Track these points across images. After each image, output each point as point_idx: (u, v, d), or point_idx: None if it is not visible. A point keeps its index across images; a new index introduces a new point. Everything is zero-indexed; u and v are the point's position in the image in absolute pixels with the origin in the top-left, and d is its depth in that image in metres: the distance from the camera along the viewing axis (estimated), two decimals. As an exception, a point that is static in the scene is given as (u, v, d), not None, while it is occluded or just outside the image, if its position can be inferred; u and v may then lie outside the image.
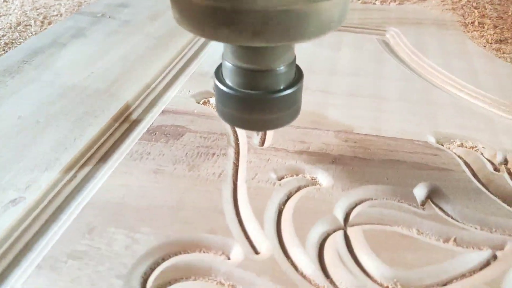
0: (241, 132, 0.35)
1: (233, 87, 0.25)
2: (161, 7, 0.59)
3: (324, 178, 0.31)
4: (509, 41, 0.50)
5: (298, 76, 0.27)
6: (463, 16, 0.57)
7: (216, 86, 0.26)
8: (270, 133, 0.35)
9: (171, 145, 0.33)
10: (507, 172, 0.31)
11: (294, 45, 0.25)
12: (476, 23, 0.55)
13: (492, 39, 0.51)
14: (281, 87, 0.25)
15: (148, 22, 0.54)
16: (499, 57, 0.48)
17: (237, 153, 0.33)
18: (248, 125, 0.27)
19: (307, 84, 0.37)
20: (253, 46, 0.23)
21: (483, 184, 0.30)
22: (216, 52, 0.47)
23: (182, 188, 0.29)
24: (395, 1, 0.62)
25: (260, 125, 0.27)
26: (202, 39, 0.51)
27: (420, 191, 0.29)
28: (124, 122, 0.36)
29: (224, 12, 0.19)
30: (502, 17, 0.56)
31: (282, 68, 0.25)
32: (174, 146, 0.33)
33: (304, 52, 0.47)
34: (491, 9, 0.59)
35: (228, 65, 0.25)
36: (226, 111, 0.27)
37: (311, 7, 0.19)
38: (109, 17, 0.57)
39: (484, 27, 0.54)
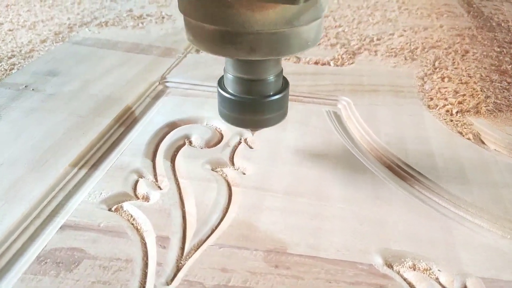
0: (152, 256, 0.29)
1: (233, 93, 0.33)
2: (93, 75, 0.53)
3: (243, 328, 0.24)
4: (471, 111, 0.46)
5: (285, 84, 0.34)
6: (423, 80, 0.53)
7: (219, 93, 0.33)
8: (188, 263, 0.29)
9: (60, 281, 0.27)
10: (467, 307, 0.26)
11: (281, 59, 0.32)
12: (436, 88, 0.50)
13: (453, 109, 0.46)
14: (271, 93, 0.32)
15: (75, 95, 0.48)
16: (460, 132, 0.43)
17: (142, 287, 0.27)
18: (245, 124, 0.34)
19: (242, 182, 0.36)
20: (249, 60, 0.30)
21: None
22: (142, 136, 0.41)
23: None
24: (349, 60, 0.57)
25: (254, 124, 0.34)
26: (130, 119, 0.45)
27: None
28: (15, 241, 0.30)
29: (230, 34, 0.27)
30: (463, 81, 0.51)
31: (271, 78, 0.32)
32: (64, 281, 0.27)
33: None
34: (452, 68, 0.54)
35: (229, 76, 0.32)
36: (227, 113, 0.34)
37: (293, 30, 0.27)
38: (33, 89, 0.51)
39: (444, 94, 0.49)
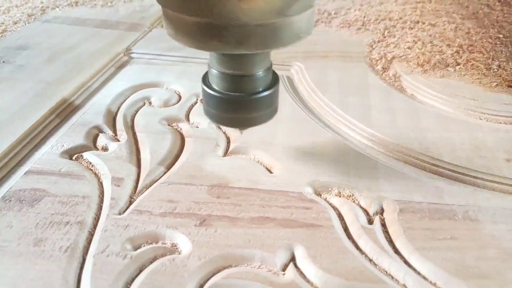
0: (107, 193, 0.32)
1: (219, 90, 0.30)
2: (61, 48, 0.56)
3: (184, 244, 0.28)
4: (414, 71, 0.50)
5: (274, 80, 0.31)
6: (371, 47, 0.57)
7: (203, 90, 0.31)
8: (139, 197, 0.32)
9: (23, 214, 0.30)
10: (381, 223, 0.30)
11: (270, 53, 0.30)
12: (381, 53, 0.54)
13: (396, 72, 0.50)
14: (260, 89, 0.30)
15: (43, 66, 0.51)
16: (398, 88, 0.47)
17: (97, 219, 0.30)
18: (233, 124, 0.32)
19: (195, 133, 0.39)
20: (236, 54, 0.28)
21: (352, 241, 0.28)
22: (105, 99, 0.44)
23: (20, 269, 0.26)
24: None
25: (243, 123, 0.32)
26: (95, 85, 0.48)
27: (283, 254, 0.27)
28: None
29: (214, 27, 0.24)
30: (407, 47, 0.55)
31: (260, 73, 0.29)
32: (26, 215, 0.30)
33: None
34: (398, 36, 0.58)
35: (214, 72, 0.30)
36: (213, 112, 0.31)
37: (283, 21, 0.25)
38: (3, 62, 0.53)
39: (388, 59, 0.53)
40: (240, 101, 0.30)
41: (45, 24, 0.65)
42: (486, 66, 0.50)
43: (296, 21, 0.26)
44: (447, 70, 0.49)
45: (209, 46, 0.26)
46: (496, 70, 0.49)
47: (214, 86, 0.30)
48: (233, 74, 0.29)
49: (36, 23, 0.65)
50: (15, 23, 0.68)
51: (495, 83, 0.47)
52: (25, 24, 0.67)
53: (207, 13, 0.24)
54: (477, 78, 0.48)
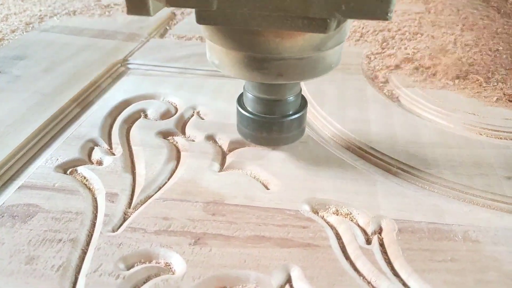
0: (101, 209, 0.32)
1: (253, 112, 0.34)
2: (58, 58, 0.55)
3: (178, 264, 0.28)
4: (413, 83, 0.49)
5: (303, 103, 0.35)
6: (369, 58, 0.56)
7: (238, 111, 0.34)
8: (134, 214, 0.32)
9: (15, 231, 0.30)
10: (379, 243, 0.29)
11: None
12: (380, 65, 0.54)
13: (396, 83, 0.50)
14: (291, 112, 0.34)
15: (40, 76, 0.51)
16: (397, 102, 0.47)
17: (90, 236, 0.30)
18: (265, 142, 0.36)
19: (191, 148, 0.38)
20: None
21: (350, 262, 0.28)
22: (101, 111, 0.44)
23: (10, 289, 0.25)
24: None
25: (274, 142, 0.36)
26: (91, 96, 0.47)
27: (279, 275, 0.27)
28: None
29: (257, 60, 0.27)
30: (405, 58, 0.55)
31: (291, 98, 0.33)
32: (19, 231, 0.30)
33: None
34: (397, 48, 0.58)
35: (249, 95, 0.33)
36: (248, 132, 0.35)
37: (319, 55, 0.28)
38: (0, 72, 0.53)
39: (386, 71, 0.53)
40: (273, 123, 0.33)
41: (43, 33, 0.65)
42: (486, 79, 0.49)
43: (329, 55, 0.29)
44: (447, 83, 0.49)
45: (251, 77, 0.29)
46: (495, 84, 0.49)
47: (249, 108, 0.34)
48: (268, 99, 0.32)
49: (33, 33, 0.65)
50: (13, 32, 0.68)
51: (495, 97, 0.46)
52: (23, 32, 0.66)
53: (253, 48, 0.26)
54: (477, 92, 0.48)
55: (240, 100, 0.35)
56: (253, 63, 0.27)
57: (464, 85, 0.49)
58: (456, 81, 0.49)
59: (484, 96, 0.47)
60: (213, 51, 0.29)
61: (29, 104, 0.45)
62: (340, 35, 0.28)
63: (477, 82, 0.49)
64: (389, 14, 0.21)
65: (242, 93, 0.34)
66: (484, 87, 0.48)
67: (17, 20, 0.72)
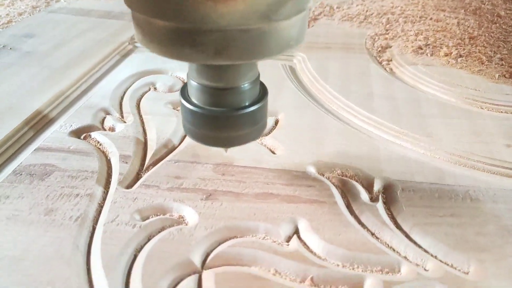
0: (115, 169, 0.33)
1: (199, 105, 0.26)
2: (67, 36, 0.56)
3: (191, 216, 0.29)
4: (417, 61, 0.51)
5: (262, 93, 0.27)
6: (373, 39, 0.57)
7: (182, 104, 0.27)
8: (147, 173, 0.34)
9: (34, 187, 0.31)
10: (383, 201, 0.30)
11: (257, 63, 0.26)
12: (384, 45, 0.55)
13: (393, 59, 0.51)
14: (246, 104, 0.26)
15: (49, 53, 0.52)
16: (400, 78, 0.48)
17: (105, 192, 0.31)
18: (216, 143, 0.27)
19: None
20: (216, 65, 0.23)
21: (355, 216, 0.29)
22: (111, 84, 0.45)
23: (32, 236, 0.27)
24: (309, 24, 0.62)
25: (227, 142, 0.27)
26: (101, 71, 0.49)
27: (287, 226, 0.28)
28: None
29: (186, 32, 0.20)
30: (406, 39, 0.56)
31: (246, 85, 0.25)
32: (37, 187, 0.31)
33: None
34: (400, 29, 0.59)
35: (193, 83, 0.25)
36: (193, 129, 0.27)
37: (271, 26, 0.20)
38: (10, 48, 0.54)
39: (390, 50, 0.54)
40: (224, 118, 0.26)
41: (50, 14, 0.66)
42: (488, 58, 0.51)
43: (285, 27, 0.21)
44: (449, 61, 0.50)
45: (182, 55, 0.21)
46: (498, 62, 0.50)
47: (194, 100, 0.26)
48: (215, 87, 0.25)
49: (41, 14, 0.66)
50: (20, 15, 0.69)
51: (497, 75, 0.48)
52: (30, 15, 0.67)
53: (179, 16, 0.19)
54: (479, 70, 0.49)
55: (184, 91, 0.27)
56: (182, 37, 0.20)
57: (466, 64, 0.50)
58: (459, 59, 0.50)
59: (486, 73, 0.48)
60: (135, 23, 0.22)
61: (40, 77, 0.46)
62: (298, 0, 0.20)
63: (479, 60, 0.50)
64: None
65: (186, 81, 0.27)
66: (486, 65, 0.49)
67: (24, 4, 0.73)
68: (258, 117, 0.27)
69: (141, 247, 0.27)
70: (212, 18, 0.19)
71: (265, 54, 0.21)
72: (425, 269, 0.26)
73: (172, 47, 0.21)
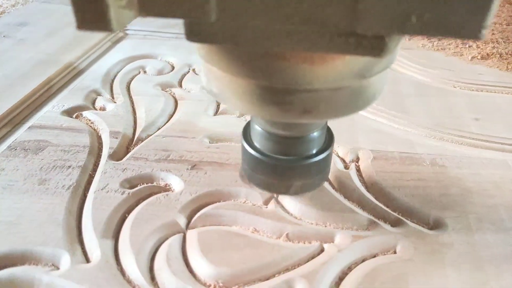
0: (106, 143, 0.35)
1: (263, 151, 0.25)
2: (60, 24, 0.58)
3: (177, 184, 0.31)
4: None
5: (329, 139, 0.26)
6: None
7: (244, 149, 0.25)
8: (136, 147, 0.35)
9: (28, 160, 0.33)
10: (356, 169, 0.33)
11: None
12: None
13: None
14: (313, 152, 0.25)
15: (43, 39, 0.54)
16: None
17: (96, 164, 0.33)
18: (278, 189, 0.27)
19: (187, 96, 0.41)
20: None
21: (329, 182, 0.31)
22: (102, 68, 0.47)
23: (26, 203, 0.29)
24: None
25: (289, 190, 0.26)
26: (92, 56, 0.50)
27: (266, 192, 0.30)
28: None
29: (276, 92, 0.19)
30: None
31: (315, 133, 0.24)
32: (31, 161, 0.33)
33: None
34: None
35: (258, 129, 0.24)
36: (255, 174, 0.26)
37: (361, 84, 0.19)
38: (4, 36, 0.56)
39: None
40: (290, 167, 0.25)
41: (43, 4, 0.68)
42: (463, 42, 0.53)
43: (373, 83, 0.20)
44: (426, 45, 0.53)
45: (266, 113, 0.19)
46: (471, 45, 0.52)
47: (257, 145, 0.25)
48: (283, 136, 0.24)
49: (34, 4, 0.68)
50: (13, 6, 0.70)
51: (471, 56, 0.50)
52: (23, 6, 0.69)
53: (270, 76, 0.18)
54: (454, 52, 0.51)
55: (246, 133, 0.26)
56: (270, 96, 0.19)
57: (443, 46, 0.52)
58: (435, 43, 0.53)
59: (460, 56, 0.50)
60: (211, 75, 0.20)
61: (34, 62, 0.48)
62: (392, 54, 0.19)
63: (454, 44, 0.52)
64: (482, 32, 0.14)
65: (249, 123, 0.26)
66: (460, 47, 0.52)
67: (16, -4, 0.74)
68: (323, 166, 0.26)
69: (130, 211, 0.29)
70: (306, 80, 0.18)
71: (353, 110, 0.20)
72: (391, 225, 0.28)
73: (257, 105, 0.19)
